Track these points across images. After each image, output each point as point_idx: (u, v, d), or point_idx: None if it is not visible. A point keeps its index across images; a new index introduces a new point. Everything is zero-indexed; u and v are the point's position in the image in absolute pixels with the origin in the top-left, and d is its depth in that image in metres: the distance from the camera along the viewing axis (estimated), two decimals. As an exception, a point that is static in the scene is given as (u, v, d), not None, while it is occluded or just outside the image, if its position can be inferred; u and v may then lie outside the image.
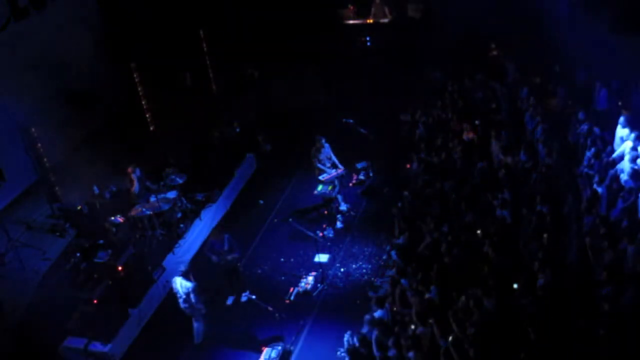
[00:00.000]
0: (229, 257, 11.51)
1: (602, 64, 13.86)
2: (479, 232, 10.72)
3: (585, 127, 12.24)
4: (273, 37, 18.60)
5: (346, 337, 9.76)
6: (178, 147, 16.41)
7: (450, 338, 8.41)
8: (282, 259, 13.14)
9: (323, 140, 14.04)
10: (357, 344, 9.41)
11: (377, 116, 16.96)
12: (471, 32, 16.84)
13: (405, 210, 12.51)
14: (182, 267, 10.73)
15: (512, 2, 16.67)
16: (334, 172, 13.92)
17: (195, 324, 11.01)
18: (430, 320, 8.97)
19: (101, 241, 12.97)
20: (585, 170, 11.36)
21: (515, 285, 9.28)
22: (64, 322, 11.14)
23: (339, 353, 9.73)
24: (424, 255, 10.66)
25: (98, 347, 10.73)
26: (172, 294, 11.08)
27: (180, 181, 13.76)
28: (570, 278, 9.08)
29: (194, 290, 10.50)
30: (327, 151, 14.10)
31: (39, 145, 14.22)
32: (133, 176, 13.58)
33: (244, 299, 11.94)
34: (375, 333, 9.54)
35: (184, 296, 10.59)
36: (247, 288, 12.08)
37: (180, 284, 10.61)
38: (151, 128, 18.41)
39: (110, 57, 17.79)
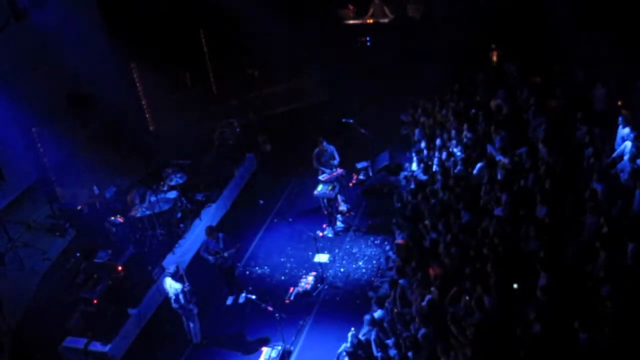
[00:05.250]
0: (226, 254, 11.51)
1: (601, 63, 13.87)
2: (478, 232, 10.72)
3: (584, 127, 12.22)
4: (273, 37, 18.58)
5: (350, 334, 9.76)
6: (178, 147, 16.43)
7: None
8: (282, 259, 13.14)
9: (325, 143, 14.02)
10: (355, 346, 9.42)
11: (377, 116, 16.97)
12: (471, 32, 16.82)
13: (405, 210, 12.51)
14: (171, 268, 10.74)
15: (513, 2, 16.65)
16: (334, 172, 13.91)
17: (190, 324, 11.02)
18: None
19: (101, 241, 12.99)
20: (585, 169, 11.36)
21: (515, 285, 9.28)
22: (64, 322, 11.15)
23: (340, 350, 9.74)
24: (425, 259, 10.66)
25: (98, 347, 10.74)
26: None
27: (180, 181, 13.76)
28: (571, 278, 9.07)
29: (182, 291, 10.51)
30: (329, 153, 14.07)
31: (39, 145, 14.22)
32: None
33: (242, 299, 11.96)
34: (375, 333, 9.55)
35: (173, 297, 10.61)
36: (243, 288, 12.10)
37: (170, 285, 10.63)
38: (151, 128, 18.42)
39: (111, 57, 17.79)
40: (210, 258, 11.53)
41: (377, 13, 20.44)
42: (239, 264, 12.80)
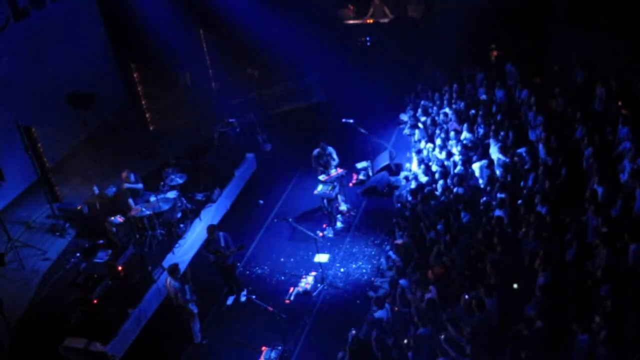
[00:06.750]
0: (227, 253, 11.51)
1: (601, 63, 13.88)
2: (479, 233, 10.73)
3: (584, 127, 12.23)
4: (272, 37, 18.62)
5: (350, 334, 9.76)
6: (178, 147, 16.43)
7: (443, 335, 8.44)
8: (282, 259, 13.15)
9: (326, 147, 14.02)
10: (356, 346, 9.42)
11: (377, 116, 16.97)
12: (471, 32, 16.83)
13: (405, 210, 12.52)
14: (169, 266, 10.73)
15: (512, 2, 16.66)
16: (334, 173, 13.91)
17: (190, 324, 11.02)
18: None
19: (101, 241, 13.00)
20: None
21: (515, 285, 9.29)
22: (64, 322, 11.16)
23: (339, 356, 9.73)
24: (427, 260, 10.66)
25: (98, 347, 10.74)
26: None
27: (180, 181, 13.76)
28: (570, 277, 9.08)
29: (180, 290, 10.51)
30: (329, 154, 14.04)
31: (39, 145, 14.22)
32: (130, 178, 13.52)
33: (243, 298, 11.97)
34: (375, 333, 9.55)
35: (172, 295, 10.61)
36: (244, 288, 12.11)
37: (170, 283, 10.64)
38: (151, 128, 18.41)
39: (111, 57, 17.81)
40: (211, 256, 11.54)
41: (377, 13, 20.46)
42: (239, 264, 12.80)
